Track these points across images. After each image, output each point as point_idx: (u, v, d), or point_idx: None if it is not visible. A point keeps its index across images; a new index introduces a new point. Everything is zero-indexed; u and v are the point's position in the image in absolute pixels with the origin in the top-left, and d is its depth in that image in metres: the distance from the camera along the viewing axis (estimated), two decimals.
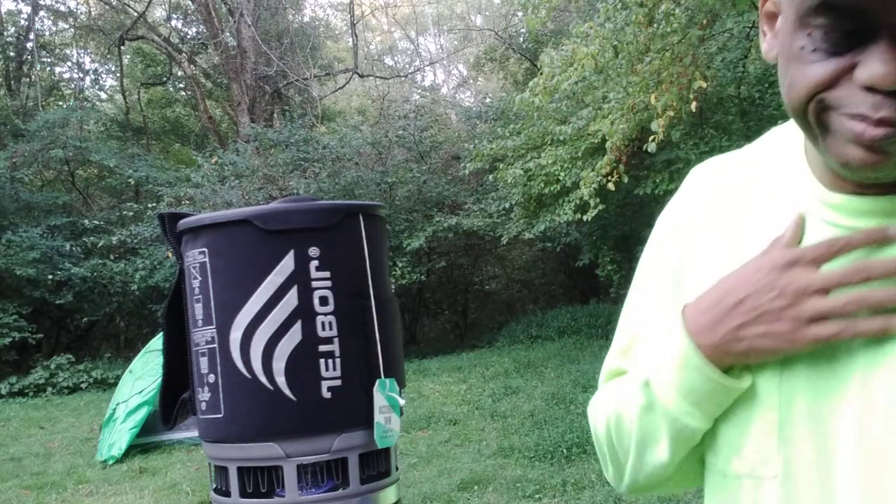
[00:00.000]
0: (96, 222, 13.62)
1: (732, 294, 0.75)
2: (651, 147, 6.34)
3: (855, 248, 0.71)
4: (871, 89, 0.62)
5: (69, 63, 20.41)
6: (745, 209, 0.81)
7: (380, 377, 1.84)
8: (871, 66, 0.61)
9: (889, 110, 0.62)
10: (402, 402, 1.88)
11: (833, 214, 0.74)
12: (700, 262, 0.83)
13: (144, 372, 7.13)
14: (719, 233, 0.82)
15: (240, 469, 1.83)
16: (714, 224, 0.83)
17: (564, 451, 5.49)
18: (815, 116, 0.67)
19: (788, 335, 0.72)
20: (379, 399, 1.84)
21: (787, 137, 0.82)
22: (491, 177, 10.45)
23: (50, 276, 12.49)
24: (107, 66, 20.27)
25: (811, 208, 0.75)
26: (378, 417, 1.82)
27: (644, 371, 0.82)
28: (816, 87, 0.65)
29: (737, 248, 0.79)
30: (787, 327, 0.72)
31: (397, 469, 2.00)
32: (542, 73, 7.43)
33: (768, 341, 0.73)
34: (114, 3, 18.28)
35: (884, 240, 0.70)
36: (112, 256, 13.08)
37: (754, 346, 0.74)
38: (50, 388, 11.66)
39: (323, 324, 1.79)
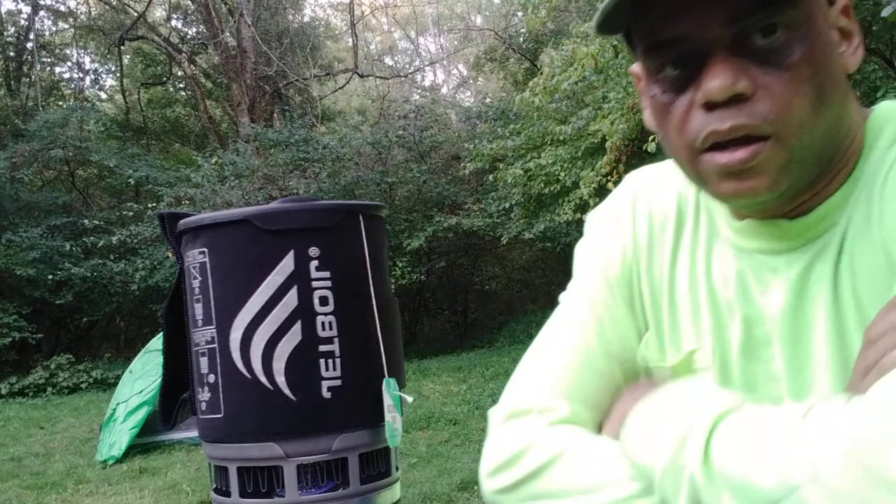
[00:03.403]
0: (96, 222, 13.61)
1: None
2: (651, 147, 6.34)
3: None
4: (711, 105, 0.65)
5: (69, 63, 20.42)
6: (675, 244, 0.83)
7: (384, 376, 1.84)
8: (704, 84, 0.65)
9: (735, 118, 0.65)
10: (408, 399, 1.87)
11: (738, 239, 0.77)
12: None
13: (144, 372, 7.12)
14: (655, 276, 0.84)
15: (240, 469, 1.82)
16: (648, 266, 0.85)
17: None
18: (691, 165, 0.70)
19: None
20: (386, 398, 1.83)
21: None
22: (491, 177, 10.44)
23: (50, 276, 12.48)
24: (107, 66, 20.28)
25: (725, 233, 0.79)
26: (387, 417, 1.82)
27: None
28: (678, 122, 0.68)
29: (669, 285, 0.82)
30: None
31: (397, 469, 2.00)
32: (542, 73, 7.43)
33: None
34: (114, 3, 18.28)
35: None
36: (112, 256, 13.06)
37: None
38: (50, 388, 11.64)
39: (323, 324, 1.79)
